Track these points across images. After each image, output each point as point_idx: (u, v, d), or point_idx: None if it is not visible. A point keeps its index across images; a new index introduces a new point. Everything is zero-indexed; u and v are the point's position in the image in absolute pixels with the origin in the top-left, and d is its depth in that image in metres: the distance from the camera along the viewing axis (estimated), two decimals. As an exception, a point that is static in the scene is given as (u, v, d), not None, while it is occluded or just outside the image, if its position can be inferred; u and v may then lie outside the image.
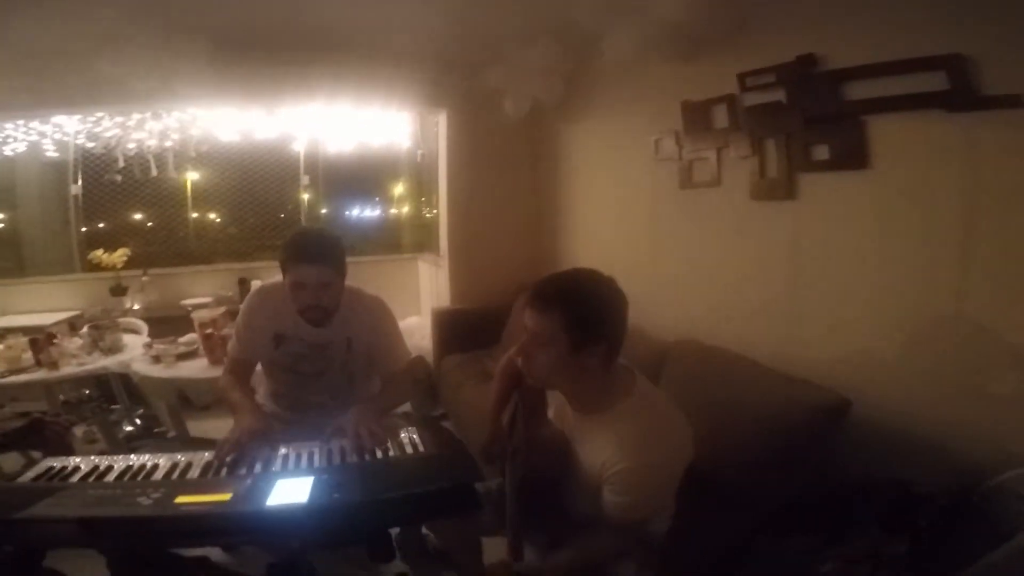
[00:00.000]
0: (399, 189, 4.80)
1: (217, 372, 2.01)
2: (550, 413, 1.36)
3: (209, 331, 2.41)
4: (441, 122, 3.52)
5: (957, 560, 1.11)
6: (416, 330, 3.76)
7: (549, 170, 3.49)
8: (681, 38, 2.07)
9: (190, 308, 3.14)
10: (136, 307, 3.65)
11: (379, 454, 1.30)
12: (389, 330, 1.74)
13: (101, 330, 2.66)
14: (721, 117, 2.10)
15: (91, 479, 1.21)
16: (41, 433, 1.50)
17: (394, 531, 1.51)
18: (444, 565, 1.63)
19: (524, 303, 1.20)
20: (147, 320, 3.17)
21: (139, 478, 1.21)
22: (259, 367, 1.79)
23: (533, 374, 1.21)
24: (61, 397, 2.85)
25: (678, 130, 2.31)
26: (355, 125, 3.90)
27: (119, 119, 3.59)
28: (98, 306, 3.51)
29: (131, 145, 3.70)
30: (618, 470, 1.11)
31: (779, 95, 1.84)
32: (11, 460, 1.57)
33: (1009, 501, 1.17)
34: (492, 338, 3.09)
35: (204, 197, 4.27)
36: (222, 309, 2.60)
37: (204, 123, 3.71)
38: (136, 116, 3.59)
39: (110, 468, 1.25)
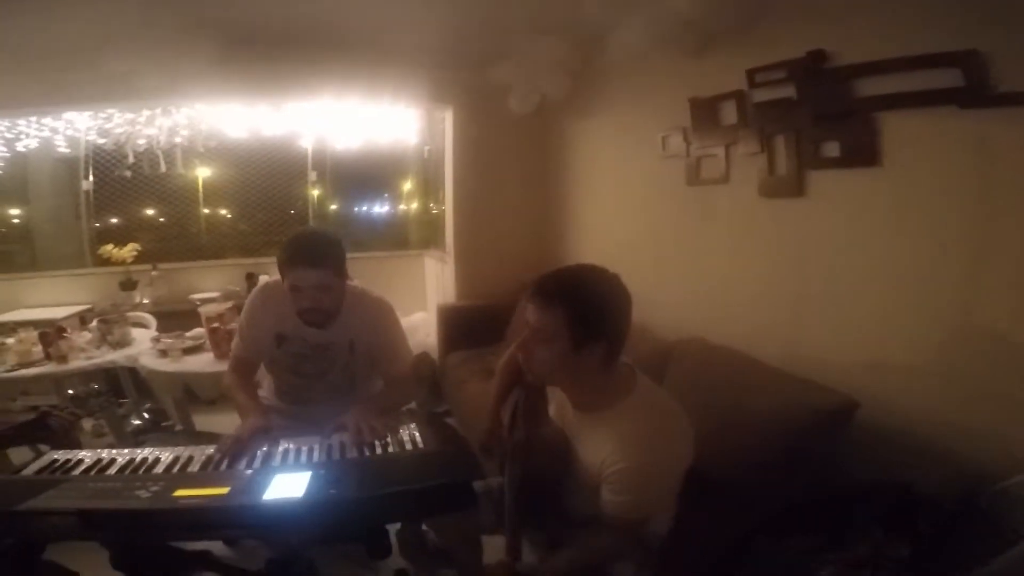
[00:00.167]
0: (407, 185, 4.81)
1: (223, 366, 2.03)
2: (550, 410, 1.35)
3: (215, 325, 2.42)
4: (447, 118, 3.51)
5: (960, 564, 1.09)
6: (422, 326, 3.77)
7: (555, 166, 3.47)
8: (689, 33, 2.05)
9: (198, 303, 3.16)
10: (145, 301, 3.68)
11: (378, 450, 1.30)
12: (392, 332, 1.72)
13: (110, 324, 2.67)
14: (730, 113, 2.07)
15: (93, 472, 1.21)
16: (49, 427, 1.51)
17: (394, 528, 1.52)
18: (444, 562, 1.62)
19: (526, 298, 1.18)
20: (156, 314, 3.21)
21: (140, 471, 1.21)
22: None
23: (533, 370, 1.20)
24: (69, 391, 2.88)
25: (686, 126, 2.28)
26: (362, 121, 3.90)
27: (129, 115, 3.63)
28: (108, 300, 3.56)
29: (141, 141, 3.73)
30: (617, 469, 1.10)
31: (789, 91, 1.81)
32: (21, 454, 1.59)
33: (1015, 506, 1.15)
34: (497, 335, 3.07)
35: (215, 193, 4.32)
36: (229, 304, 2.62)
37: (212, 119, 3.73)
38: (146, 112, 3.62)
39: (113, 461, 1.25)
